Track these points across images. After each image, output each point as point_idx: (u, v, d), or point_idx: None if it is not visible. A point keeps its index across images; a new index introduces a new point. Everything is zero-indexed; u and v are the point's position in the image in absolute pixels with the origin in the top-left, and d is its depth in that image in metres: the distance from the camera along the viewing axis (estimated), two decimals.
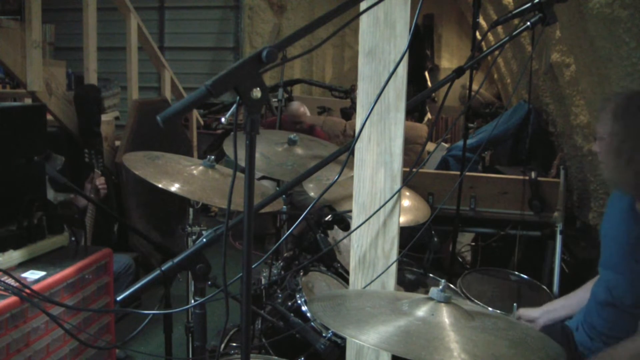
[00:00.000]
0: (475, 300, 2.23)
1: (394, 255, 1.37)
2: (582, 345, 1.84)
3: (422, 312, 1.05)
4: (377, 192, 1.37)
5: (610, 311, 1.76)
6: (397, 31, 1.32)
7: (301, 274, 2.07)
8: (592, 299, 1.86)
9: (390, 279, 1.39)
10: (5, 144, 1.99)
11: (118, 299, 1.11)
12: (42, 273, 1.87)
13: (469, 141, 3.31)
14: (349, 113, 6.59)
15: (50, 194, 2.86)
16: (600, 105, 1.79)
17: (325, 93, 7.54)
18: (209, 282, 1.21)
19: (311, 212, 2.10)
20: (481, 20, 4.80)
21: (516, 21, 1.41)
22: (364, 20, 1.34)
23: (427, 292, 1.12)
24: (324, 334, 1.78)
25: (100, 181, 3.02)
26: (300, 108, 4.63)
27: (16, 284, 1.68)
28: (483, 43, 5.46)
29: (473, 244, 3.81)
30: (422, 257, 2.53)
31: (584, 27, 2.48)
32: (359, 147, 1.37)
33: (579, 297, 1.99)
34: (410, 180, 1.38)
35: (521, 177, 3.06)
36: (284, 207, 2.37)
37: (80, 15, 3.93)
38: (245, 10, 7.97)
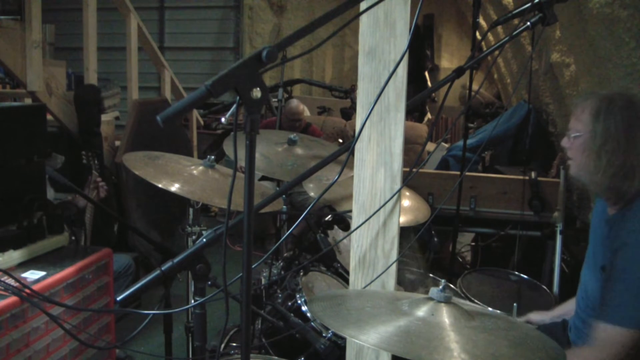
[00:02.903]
0: (475, 300, 2.23)
1: (394, 255, 1.37)
2: (574, 344, 1.85)
3: (422, 312, 1.05)
4: (377, 192, 1.37)
5: (587, 312, 1.77)
6: (397, 31, 1.32)
7: (301, 274, 2.08)
8: (576, 301, 1.89)
9: (390, 279, 1.39)
10: (5, 144, 1.99)
11: (118, 299, 1.11)
12: (42, 273, 1.87)
13: (469, 141, 3.31)
14: (349, 113, 6.59)
15: (50, 194, 2.86)
16: (577, 102, 1.75)
17: (325, 93, 7.54)
18: (209, 282, 1.21)
19: (311, 212, 2.10)
20: (481, 20, 4.81)
21: (516, 21, 1.41)
22: (364, 20, 1.34)
23: (427, 292, 1.12)
24: (324, 334, 1.78)
25: (98, 182, 3.01)
26: (299, 106, 4.64)
27: (16, 284, 1.68)
28: (483, 43, 5.46)
29: (473, 244, 3.81)
30: (422, 257, 2.53)
31: (584, 27, 2.49)
32: (359, 147, 1.37)
33: None
34: (410, 180, 1.38)
35: (521, 177, 3.06)
36: (284, 207, 2.37)
37: (80, 15, 3.93)
38: (245, 10, 7.97)
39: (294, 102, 4.69)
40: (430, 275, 2.55)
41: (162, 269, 1.13)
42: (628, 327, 1.53)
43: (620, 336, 1.53)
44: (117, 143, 4.17)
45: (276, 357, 1.83)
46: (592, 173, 1.66)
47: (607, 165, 1.61)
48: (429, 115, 6.89)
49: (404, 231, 1.51)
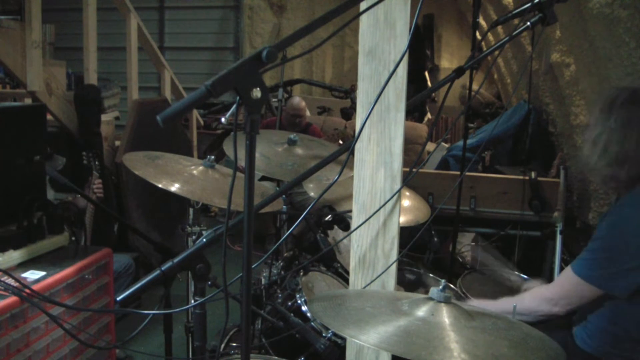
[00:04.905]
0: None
1: (394, 255, 1.37)
2: (584, 350, 1.82)
3: (422, 312, 1.05)
4: (377, 192, 1.37)
5: (594, 322, 1.75)
6: (397, 31, 1.32)
7: (301, 274, 2.07)
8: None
9: (390, 279, 1.39)
10: (5, 144, 1.99)
11: (118, 299, 1.11)
12: (42, 273, 1.87)
13: (469, 141, 3.30)
14: (349, 113, 6.59)
15: (50, 194, 2.86)
16: (597, 97, 1.82)
17: (325, 93, 7.54)
18: (209, 282, 1.21)
19: (311, 212, 2.10)
20: (481, 20, 4.81)
21: (516, 21, 1.41)
22: (364, 20, 1.34)
23: (427, 292, 1.12)
24: (324, 334, 1.78)
25: (96, 184, 3.01)
26: (301, 103, 4.69)
27: (16, 284, 1.68)
28: (483, 43, 5.46)
29: (473, 244, 3.81)
30: (422, 257, 2.53)
31: (584, 27, 2.49)
32: (359, 147, 1.37)
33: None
34: (410, 180, 1.38)
35: (521, 177, 3.05)
36: (284, 207, 2.36)
37: (80, 15, 3.93)
38: (245, 10, 7.97)
39: (296, 99, 4.76)
40: (430, 275, 2.55)
41: (162, 269, 1.13)
42: (590, 283, 1.62)
43: (581, 289, 1.64)
44: (117, 143, 4.17)
45: (276, 357, 1.83)
46: (588, 162, 1.73)
47: (602, 154, 1.67)
48: (429, 115, 6.88)
49: (404, 231, 1.51)
